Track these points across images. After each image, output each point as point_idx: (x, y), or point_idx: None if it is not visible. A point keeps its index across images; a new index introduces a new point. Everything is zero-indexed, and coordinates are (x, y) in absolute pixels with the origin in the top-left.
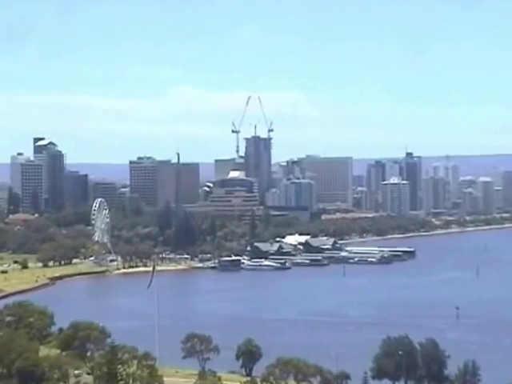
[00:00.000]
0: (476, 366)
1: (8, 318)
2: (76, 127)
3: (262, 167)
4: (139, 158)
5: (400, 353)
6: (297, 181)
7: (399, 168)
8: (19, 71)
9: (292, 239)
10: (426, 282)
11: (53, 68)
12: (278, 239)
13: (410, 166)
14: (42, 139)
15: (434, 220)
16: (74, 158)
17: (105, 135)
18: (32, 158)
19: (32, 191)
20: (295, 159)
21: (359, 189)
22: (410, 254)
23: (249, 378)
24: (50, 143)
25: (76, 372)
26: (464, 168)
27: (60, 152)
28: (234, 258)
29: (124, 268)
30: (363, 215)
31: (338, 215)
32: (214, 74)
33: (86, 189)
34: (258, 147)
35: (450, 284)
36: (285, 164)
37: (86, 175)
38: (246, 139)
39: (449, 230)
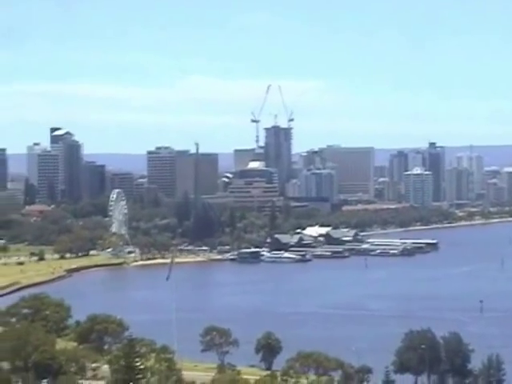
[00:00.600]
0: (500, 360)
1: (24, 311)
2: (94, 117)
3: (282, 157)
4: (157, 149)
5: (423, 347)
6: (317, 171)
7: (422, 158)
8: (34, 61)
9: (312, 231)
10: (449, 274)
11: (68, 58)
12: (298, 231)
13: (433, 157)
14: (59, 129)
15: (457, 211)
16: (91, 148)
17: (123, 125)
18: (48, 149)
19: (48, 182)
20: (316, 149)
21: (381, 179)
22: (433, 246)
23: (269, 372)
24: (67, 133)
25: (93, 365)
26: (488, 158)
27: (77, 142)
28: (253, 249)
29: (142, 260)
30: (385, 206)
31: (360, 206)
32: (234, 63)
33: (103, 179)
34: (278, 137)
35: (473, 277)
36: (305, 154)
37: (103, 166)
38: (266, 129)
39: (472, 222)
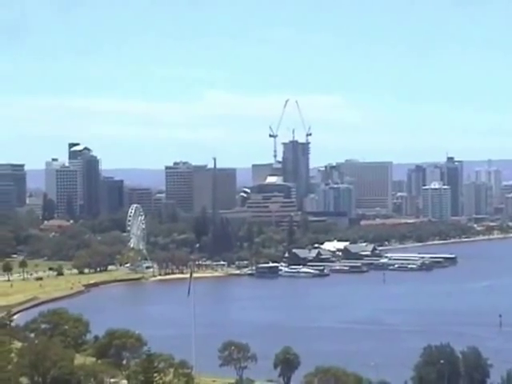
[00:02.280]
0: None
1: (43, 326)
2: (112, 132)
3: (299, 172)
4: (175, 164)
5: (441, 362)
6: (335, 186)
7: (440, 173)
8: (48, 76)
9: (330, 245)
10: (468, 289)
11: (85, 72)
12: (316, 245)
13: (451, 171)
14: (77, 145)
15: (475, 226)
16: (109, 163)
17: (140, 140)
18: (67, 164)
19: (67, 197)
20: (334, 164)
21: (399, 194)
22: (452, 261)
23: None
24: (85, 149)
25: (112, 380)
26: (507, 172)
27: (95, 157)
28: (271, 264)
29: (160, 275)
30: (403, 221)
31: (378, 221)
32: (251, 77)
33: (121, 195)
34: (296, 152)
35: (492, 291)
36: (323, 169)
37: (121, 181)
38: (284, 144)
39: (491, 236)
